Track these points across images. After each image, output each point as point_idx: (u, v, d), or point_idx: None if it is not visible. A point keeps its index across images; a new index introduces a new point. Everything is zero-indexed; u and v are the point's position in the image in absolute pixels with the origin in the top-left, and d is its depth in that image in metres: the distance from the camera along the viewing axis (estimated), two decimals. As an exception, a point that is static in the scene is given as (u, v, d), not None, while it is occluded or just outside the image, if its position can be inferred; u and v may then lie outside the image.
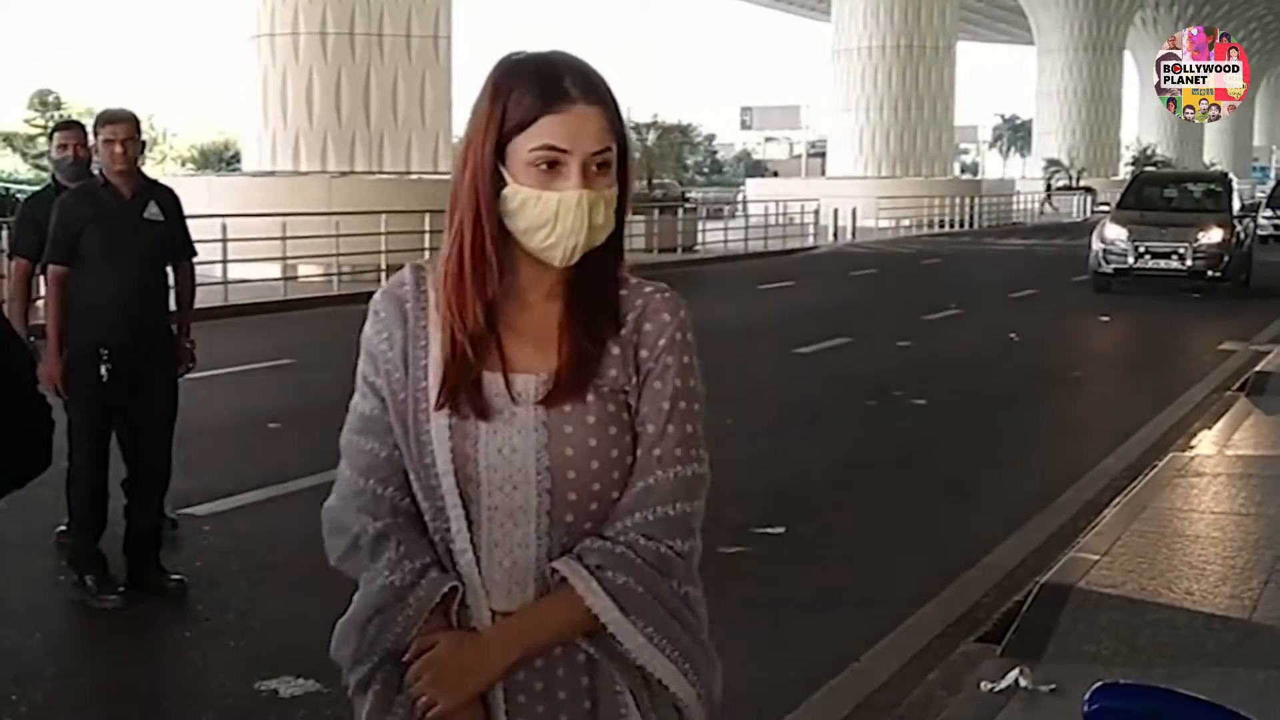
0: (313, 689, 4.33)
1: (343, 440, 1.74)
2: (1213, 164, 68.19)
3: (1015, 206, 48.96)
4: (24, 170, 46.72)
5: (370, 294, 1.82)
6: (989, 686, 4.14)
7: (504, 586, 1.67)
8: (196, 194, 14.39)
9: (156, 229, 5.36)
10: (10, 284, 6.02)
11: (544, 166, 1.62)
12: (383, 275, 16.42)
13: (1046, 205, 51.26)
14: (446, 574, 1.67)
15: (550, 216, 1.62)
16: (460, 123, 2.01)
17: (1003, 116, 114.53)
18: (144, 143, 5.44)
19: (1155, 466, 7.34)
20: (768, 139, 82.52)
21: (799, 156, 62.33)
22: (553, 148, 1.61)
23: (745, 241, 29.26)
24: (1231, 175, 24.14)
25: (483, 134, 1.64)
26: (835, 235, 33.50)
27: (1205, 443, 8.12)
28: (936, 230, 38.52)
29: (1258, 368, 10.98)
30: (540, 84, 1.62)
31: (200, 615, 5.25)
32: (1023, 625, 4.68)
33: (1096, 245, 19.68)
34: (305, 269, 18.77)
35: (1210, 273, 18.87)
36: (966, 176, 65.12)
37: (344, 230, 17.84)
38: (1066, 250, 28.43)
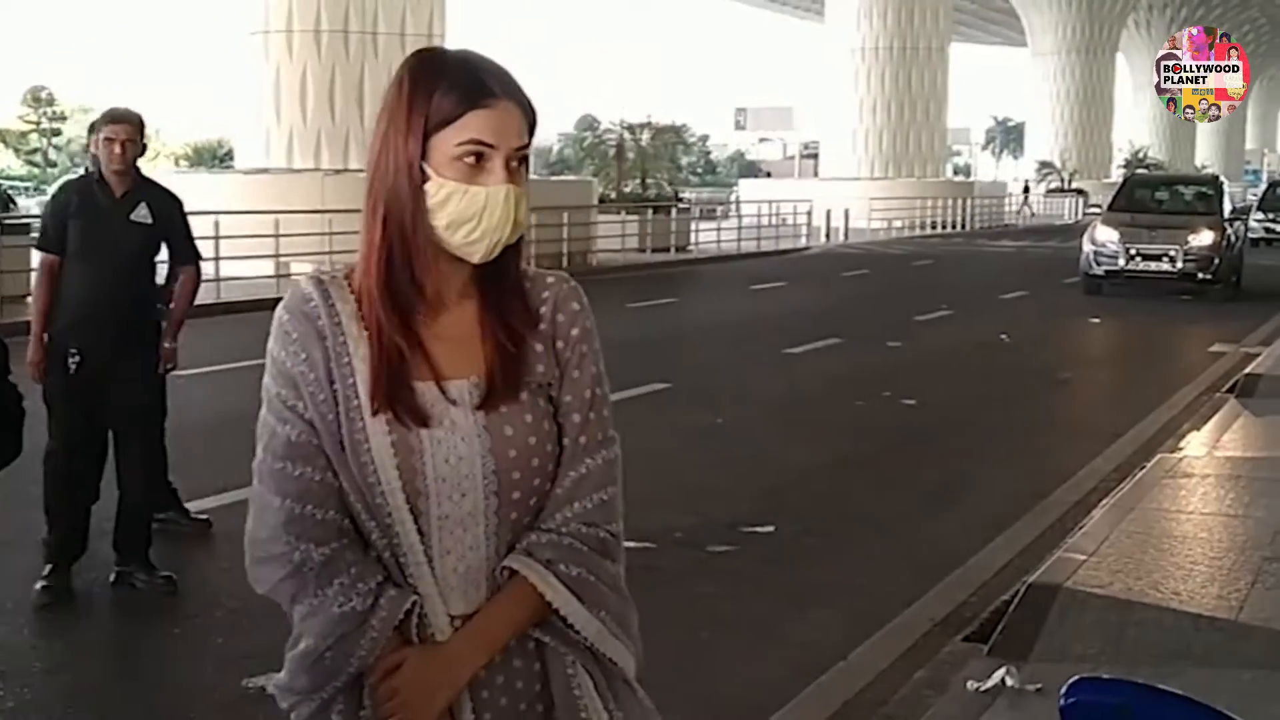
0: (301, 686, 4.33)
1: (262, 468, 1.67)
2: (1205, 167, 68.31)
3: (1007, 208, 49.05)
4: (17, 166, 46.61)
5: None
6: (976, 686, 4.15)
7: (460, 591, 1.67)
8: (189, 191, 14.34)
9: (142, 231, 5.35)
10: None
11: (470, 160, 1.62)
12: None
13: (1025, 208, 51.02)
14: (403, 590, 1.65)
15: (477, 211, 1.62)
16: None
17: (996, 118, 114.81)
18: (145, 145, 5.46)
19: (1144, 467, 7.35)
20: (761, 140, 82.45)
21: (792, 157, 62.31)
22: (480, 142, 1.61)
23: (738, 242, 29.30)
24: (1223, 178, 24.18)
25: (404, 130, 1.62)
26: (828, 236, 33.58)
27: (1194, 444, 8.13)
28: (929, 231, 38.60)
29: (1247, 370, 10.97)
30: (464, 80, 1.62)
31: (189, 613, 5.24)
32: (1010, 625, 4.69)
33: (1088, 247, 19.67)
34: (298, 266, 18.72)
35: (1201, 275, 18.88)
36: (959, 178, 65.08)
37: (337, 228, 17.81)
38: (1058, 252, 28.45)
